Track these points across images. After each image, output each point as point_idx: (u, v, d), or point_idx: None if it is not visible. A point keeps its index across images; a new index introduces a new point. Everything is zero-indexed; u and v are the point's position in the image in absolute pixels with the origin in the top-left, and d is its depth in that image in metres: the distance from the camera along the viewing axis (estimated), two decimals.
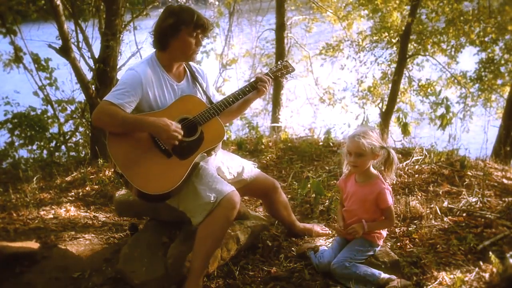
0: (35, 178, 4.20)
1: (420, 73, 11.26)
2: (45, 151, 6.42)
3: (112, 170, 4.00)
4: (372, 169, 2.41)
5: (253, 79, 2.60)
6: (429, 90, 10.72)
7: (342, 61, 11.89)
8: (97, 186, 4.01)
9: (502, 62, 9.85)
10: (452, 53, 10.33)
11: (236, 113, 2.69)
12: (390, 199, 2.34)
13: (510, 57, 9.74)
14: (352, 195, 2.43)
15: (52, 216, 3.41)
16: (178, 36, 2.31)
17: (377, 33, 10.68)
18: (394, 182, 3.45)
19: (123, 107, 2.21)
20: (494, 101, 10.34)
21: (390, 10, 10.07)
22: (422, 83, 10.90)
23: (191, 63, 2.56)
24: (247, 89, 2.53)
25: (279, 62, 2.78)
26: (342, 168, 2.55)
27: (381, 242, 2.43)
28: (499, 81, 10.01)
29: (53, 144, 6.53)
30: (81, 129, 6.96)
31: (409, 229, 2.81)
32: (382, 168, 2.40)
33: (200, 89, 2.54)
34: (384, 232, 2.47)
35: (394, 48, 10.75)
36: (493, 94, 10.32)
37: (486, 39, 9.69)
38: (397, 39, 10.14)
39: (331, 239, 2.73)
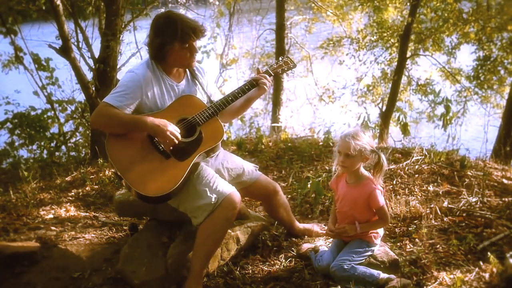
0: (30, 177, 4.20)
1: (419, 72, 11.27)
2: (45, 151, 6.42)
3: (112, 170, 4.00)
4: (362, 170, 2.39)
5: (251, 77, 2.59)
6: (428, 88, 10.73)
7: (342, 57, 11.90)
8: (97, 186, 4.02)
9: (499, 59, 9.87)
10: (450, 50, 10.35)
11: (238, 112, 2.67)
12: (381, 199, 2.33)
13: (507, 55, 9.75)
14: (343, 196, 2.43)
15: (52, 216, 3.41)
16: (170, 52, 2.31)
17: (376, 32, 10.67)
18: (388, 181, 3.46)
19: (122, 109, 2.22)
20: (491, 97, 10.35)
21: (386, 6, 10.10)
22: (421, 83, 10.91)
23: None
24: (246, 87, 2.51)
25: (280, 58, 2.75)
26: (333, 168, 2.55)
27: (378, 241, 2.43)
28: (494, 78, 10.02)
29: (53, 144, 6.54)
30: (81, 129, 6.97)
31: (409, 229, 2.81)
32: (372, 171, 2.39)
33: (200, 88, 2.54)
34: (381, 231, 2.47)
35: (394, 48, 10.76)
36: (490, 91, 10.33)
37: (483, 37, 9.70)
38: (397, 39, 10.15)
39: (331, 239, 2.73)
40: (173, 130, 2.24)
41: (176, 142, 2.25)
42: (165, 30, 2.28)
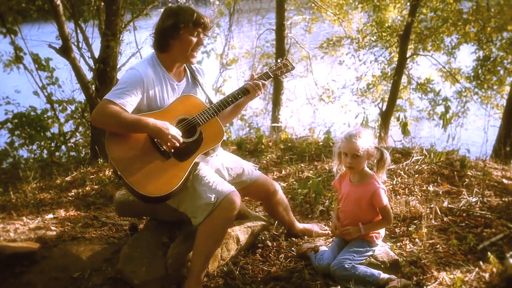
0: (31, 178, 4.20)
1: (419, 71, 11.28)
2: (45, 151, 6.42)
3: (112, 170, 4.01)
4: (366, 169, 2.41)
5: (248, 81, 2.60)
6: (428, 87, 10.74)
7: (341, 57, 11.91)
8: (97, 186, 4.02)
9: (499, 59, 9.88)
10: (450, 50, 10.36)
11: (229, 117, 2.66)
12: (385, 198, 2.34)
13: (506, 55, 9.75)
14: (347, 196, 2.43)
15: (52, 216, 3.41)
16: (178, 36, 2.30)
17: (376, 32, 10.68)
18: (388, 181, 3.46)
19: (124, 106, 2.20)
20: (491, 97, 10.36)
21: (386, 5, 10.11)
22: (421, 82, 10.92)
23: None
24: (246, 89, 2.52)
25: (278, 60, 2.75)
26: (333, 169, 2.54)
27: (379, 242, 2.43)
28: (494, 78, 10.03)
29: (53, 144, 6.54)
30: (81, 129, 6.97)
31: (409, 229, 2.81)
32: (374, 168, 2.40)
33: (200, 88, 2.54)
34: (382, 231, 2.47)
35: (394, 48, 10.77)
36: (490, 92, 10.34)
37: (483, 37, 9.71)
38: (396, 39, 10.15)
39: (331, 239, 2.73)
40: (175, 133, 2.24)
41: (178, 145, 2.25)
42: (180, 13, 2.29)
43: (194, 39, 2.33)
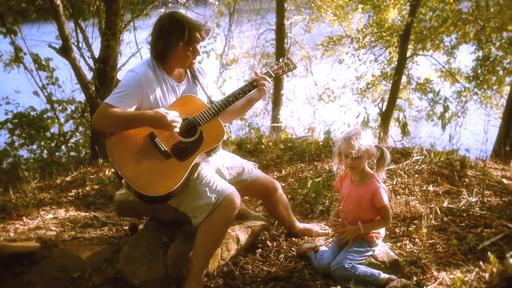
0: (30, 177, 4.20)
1: (419, 71, 11.28)
2: (45, 151, 6.42)
3: (112, 170, 4.01)
4: (367, 169, 2.41)
5: (251, 78, 2.59)
6: (427, 88, 10.74)
7: (341, 56, 11.90)
8: (97, 186, 4.02)
9: (498, 59, 9.88)
10: (449, 50, 10.36)
11: (240, 112, 2.67)
12: (385, 198, 2.34)
13: (506, 55, 9.75)
14: (348, 195, 2.43)
15: (52, 216, 3.41)
16: (173, 53, 2.31)
17: (376, 32, 10.67)
18: (388, 181, 3.46)
19: (123, 109, 2.21)
20: (490, 97, 10.36)
21: (387, 6, 10.11)
22: (421, 82, 10.92)
23: None
24: (247, 88, 2.51)
25: (280, 59, 2.75)
26: (333, 168, 2.55)
27: (379, 242, 2.44)
28: (494, 78, 10.04)
29: (53, 144, 6.54)
30: (81, 129, 6.97)
31: (409, 229, 2.82)
32: (374, 167, 2.41)
33: (200, 88, 2.54)
34: (382, 231, 2.47)
35: (393, 48, 10.77)
36: (490, 92, 10.35)
37: (483, 37, 9.72)
38: (396, 39, 10.14)
39: (331, 239, 2.73)
40: (173, 116, 2.22)
41: (178, 126, 2.24)
42: (171, 32, 2.27)
43: (190, 54, 2.32)
